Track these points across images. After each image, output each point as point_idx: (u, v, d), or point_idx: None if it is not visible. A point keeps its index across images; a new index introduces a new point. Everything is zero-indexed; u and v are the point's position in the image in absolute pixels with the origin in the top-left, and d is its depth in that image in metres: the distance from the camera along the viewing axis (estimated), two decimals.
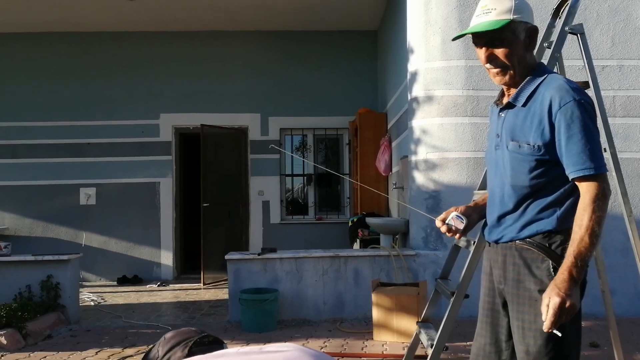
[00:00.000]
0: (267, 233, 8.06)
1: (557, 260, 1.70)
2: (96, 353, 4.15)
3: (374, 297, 4.44)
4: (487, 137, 2.10)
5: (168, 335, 1.48)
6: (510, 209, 1.84)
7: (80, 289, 5.90)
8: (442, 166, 5.16)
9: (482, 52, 1.84)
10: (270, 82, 8.13)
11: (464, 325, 4.32)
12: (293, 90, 8.13)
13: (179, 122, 8.03)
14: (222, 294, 6.49)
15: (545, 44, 2.57)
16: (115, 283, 7.59)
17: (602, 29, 5.23)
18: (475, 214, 2.06)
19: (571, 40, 2.63)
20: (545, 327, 1.60)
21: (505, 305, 1.89)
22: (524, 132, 1.78)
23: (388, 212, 7.05)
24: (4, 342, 4.20)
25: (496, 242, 1.91)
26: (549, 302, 1.59)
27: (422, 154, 5.23)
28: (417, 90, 5.31)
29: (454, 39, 2.00)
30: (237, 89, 8.08)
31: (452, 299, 2.38)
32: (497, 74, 1.84)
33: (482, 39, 1.82)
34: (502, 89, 1.94)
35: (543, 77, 1.80)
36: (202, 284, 7.19)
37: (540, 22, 2.02)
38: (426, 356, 2.54)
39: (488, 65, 1.85)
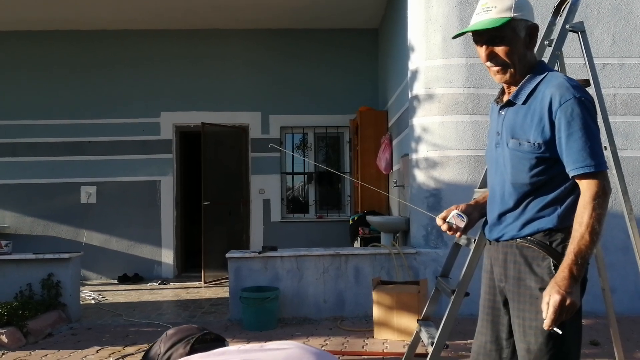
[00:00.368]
0: (267, 231, 8.06)
1: (558, 258, 1.70)
2: (97, 351, 4.16)
3: (375, 295, 4.45)
4: (488, 135, 2.10)
5: (170, 332, 1.48)
6: (511, 207, 1.84)
7: (81, 288, 5.90)
8: (442, 164, 5.16)
9: (482, 50, 1.84)
10: (270, 80, 8.13)
11: (464, 323, 4.33)
12: (293, 89, 8.13)
13: (180, 121, 8.03)
14: (222, 292, 6.49)
15: (546, 42, 2.57)
16: (116, 281, 7.61)
17: (602, 26, 5.22)
18: (476, 212, 2.06)
19: (572, 38, 2.63)
20: (546, 325, 1.60)
21: (506, 303, 1.89)
22: (524, 130, 1.78)
23: (389, 210, 7.05)
24: (5, 340, 4.21)
25: (497, 240, 1.90)
26: (550, 300, 1.59)
27: (422, 152, 5.23)
28: (418, 88, 5.31)
29: (454, 37, 2.00)
30: (238, 87, 8.08)
31: (452, 297, 2.38)
32: (498, 72, 1.85)
33: (482, 37, 1.82)
34: (503, 86, 1.94)
35: (543, 75, 1.80)
36: (202, 283, 7.20)
37: (541, 20, 2.03)
38: (427, 354, 2.54)
39: (488, 64, 1.85)
